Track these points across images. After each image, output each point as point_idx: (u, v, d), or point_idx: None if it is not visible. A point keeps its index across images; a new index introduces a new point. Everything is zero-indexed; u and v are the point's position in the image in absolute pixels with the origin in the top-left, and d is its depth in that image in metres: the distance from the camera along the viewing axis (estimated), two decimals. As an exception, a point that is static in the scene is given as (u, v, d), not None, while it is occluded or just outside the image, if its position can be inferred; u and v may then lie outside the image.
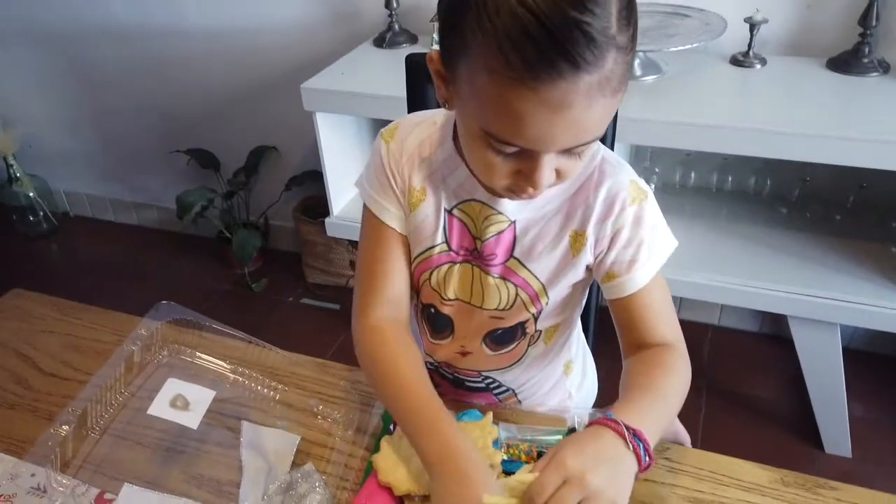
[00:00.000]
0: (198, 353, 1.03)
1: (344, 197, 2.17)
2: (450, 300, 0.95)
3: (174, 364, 1.01)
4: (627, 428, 0.72)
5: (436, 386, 1.01)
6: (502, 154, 0.73)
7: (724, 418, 2.09)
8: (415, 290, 0.99)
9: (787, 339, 2.34)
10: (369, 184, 0.94)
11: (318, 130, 1.99)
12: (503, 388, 1.05)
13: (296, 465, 0.94)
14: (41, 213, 3.06)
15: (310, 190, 2.62)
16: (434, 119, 0.92)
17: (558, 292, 0.93)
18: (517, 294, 0.92)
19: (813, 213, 2.01)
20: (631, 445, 0.71)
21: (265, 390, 1.02)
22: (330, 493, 0.90)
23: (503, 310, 0.94)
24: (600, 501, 0.67)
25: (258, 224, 2.78)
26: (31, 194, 2.99)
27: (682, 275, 1.80)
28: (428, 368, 1.07)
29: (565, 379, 1.08)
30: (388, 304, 0.93)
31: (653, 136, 1.69)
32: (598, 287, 1.20)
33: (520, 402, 1.07)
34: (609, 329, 0.95)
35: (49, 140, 3.03)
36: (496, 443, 0.91)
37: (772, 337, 2.39)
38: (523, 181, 0.75)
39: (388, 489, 0.87)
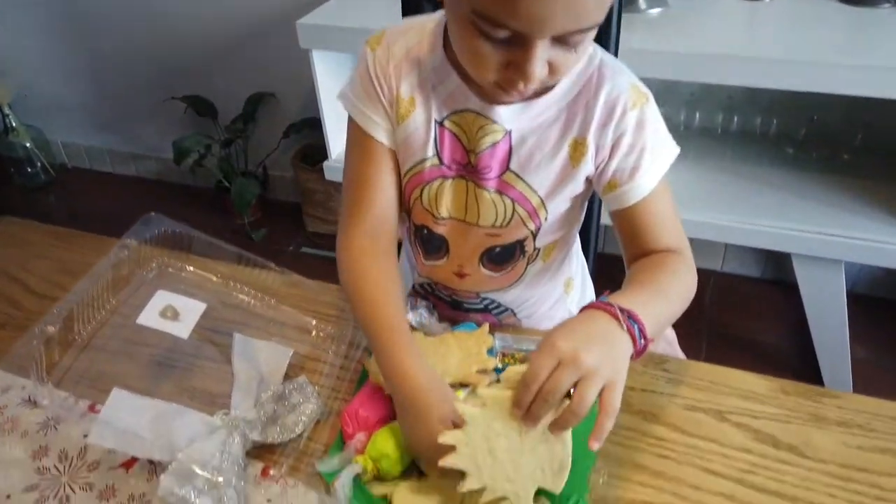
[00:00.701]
0: (188, 267, 1.01)
1: (342, 140, 2.12)
2: (443, 219, 0.93)
3: (163, 277, 0.99)
4: (621, 309, 0.70)
5: (433, 306, 0.99)
6: (493, 41, 0.69)
7: (725, 363, 2.07)
8: (406, 210, 0.97)
9: (789, 284, 2.32)
10: (354, 94, 0.89)
11: (314, 70, 1.95)
12: (502, 308, 1.03)
13: (288, 377, 0.92)
14: (38, 165, 3.04)
15: (308, 138, 2.59)
16: (424, 25, 0.88)
17: (557, 206, 0.90)
18: (514, 209, 0.90)
19: (820, 152, 1.97)
20: (625, 326, 0.69)
21: (258, 305, 1.01)
22: (322, 403, 0.88)
23: (500, 227, 0.91)
24: (596, 380, 0.65)
25: (257, 173, 2.75)
26: (27, 145, 2.96)
27: (685, 214, 1.76)
28: (425, 291, 1.05)
29: (565, 297, 1.06)
30: (372, 221, 0.90)
31: (657, 69, 1.64)
32: (598, 211, 1.19)
33: (519, 322, 1.05)
34: (608, 259, 0.92)
35: (44, 89, 2.99)
36: (491, 351, 0.90)
37: (774, 282, 2.36)
38: (514, 74, 0.72)
39: (381, 397, 0.86)
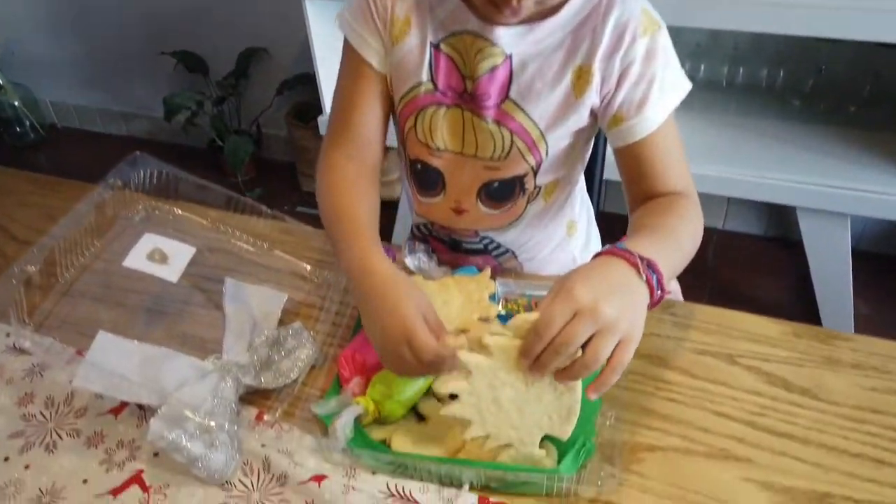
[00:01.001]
0: (176, 210, 0.97)
1: (337, 94, 2.07)
2: (439, 151, 0.89)
3: (150, 220, 0.95)
4: (641, 258, 0.66)
5: (432, 250, 0.96)
6: None
7: (727, 319, 2.05)
8: (402, 144, 0.92)
9: (792, 241, 2.30)
10: (351, 14, 0.85)
11: (308, 21, 1.88)
12: (502, 250, 1.00)
13: (283, 323, 0.89)
14: (27, 124, 2.97)
15: (302, 95, 2.52)
16: None
17: (558, 140, 0.86)
18: (513, 141, 0.85)
19: (827, 104, 1.92)
20: (644, 276, 0.65)
21: (251, 251, 0.97)
22: (318, 349, 0.85)
23: (498, 159, 0.87)
24: (614, 334, 0.61)
25: (250, 132, 2.70)
26: (15, 104, 2.89)
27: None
28: (422, 232, 1.02)
29: (568, 240, 1.02)
30: (355, 143, 0.87)
31: (661, 14, 1.58)
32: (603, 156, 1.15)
33: (521, 265, 1.01)
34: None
35: (32, 46, 2.91)
36: (493, 297, 0.86)
37: (777, 240, 2.33)
38: None
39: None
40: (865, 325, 1.97)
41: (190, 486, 0.73)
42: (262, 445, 0.76)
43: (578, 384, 0.67)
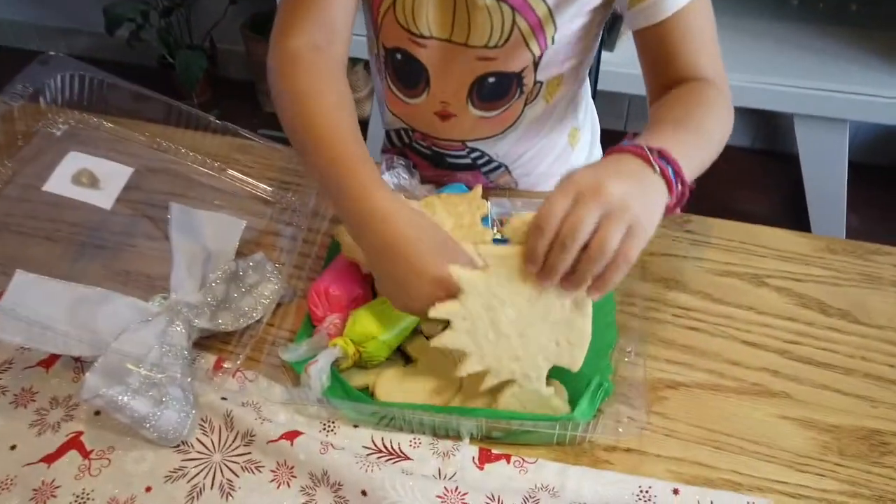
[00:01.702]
0: (105, 123, 0.82)
1: None
2: (423, 38, 0.74)
3: (74, 136, 0.80)
4: (650, 149, 0.56)
5: (414, 165, 0.83)
6: None
7: (715, 235, 1.98)
8: (375, 31, 0.78)
9: (780, 153, 2.21)
10: None
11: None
12: (494, 164, 0.87)
13: (242, 255, 0.76)
14: (-44, 43, 2.70)
15: (259, 4, 2.31)
16: None
17: (569, 21, 0.72)
18: (514, 22, 0.71)
19: (826, 3, 1.78)
20: (657, 167, 0.55)
21: (200, 171, 0.83)
22: (284, 283, 0.73)
23: (495, 47, 0.73)
24: (624, 216, 0.52)
25: (203, 46, 2.47)
26: (-60, 21, 2.61)
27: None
28: (400, 143, 0.88)
29: (570, 152, 0.90)
30: (323, 28, 0.69)
31: None
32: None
33: (515, 182, 0.89)
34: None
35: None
36: (486, 219, 0.75)
37: (765, 152, 2.24)
38: None
39: (355, 273, 0.71)
40: (855, 238, 1.91)
41: (139, 448, 0.62)
42: (223, 399, 0.65)
43: (588, 305, 0.58)
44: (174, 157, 0.84)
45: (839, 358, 0.66)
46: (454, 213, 0.73)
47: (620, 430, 0.58)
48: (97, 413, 0.65)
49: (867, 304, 0.70)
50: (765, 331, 0.69)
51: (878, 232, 2.00)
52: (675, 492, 0.58)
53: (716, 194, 2.11)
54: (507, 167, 0.87)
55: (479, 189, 0.76)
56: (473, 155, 0.86)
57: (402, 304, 0.61)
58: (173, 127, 0.84)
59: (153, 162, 0.83)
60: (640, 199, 0.53)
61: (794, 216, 1.97)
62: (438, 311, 0.59)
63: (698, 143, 0.62)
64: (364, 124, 1.92)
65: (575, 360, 0.61)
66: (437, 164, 0.88)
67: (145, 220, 0.81)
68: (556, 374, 0.62)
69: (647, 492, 0.58)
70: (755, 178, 2.19)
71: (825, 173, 1.78)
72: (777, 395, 0.64)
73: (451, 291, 0.58)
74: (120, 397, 0.60)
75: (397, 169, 0.78)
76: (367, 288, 0.71)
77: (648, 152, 0.56)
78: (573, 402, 0.61)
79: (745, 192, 2.14)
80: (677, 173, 0.56)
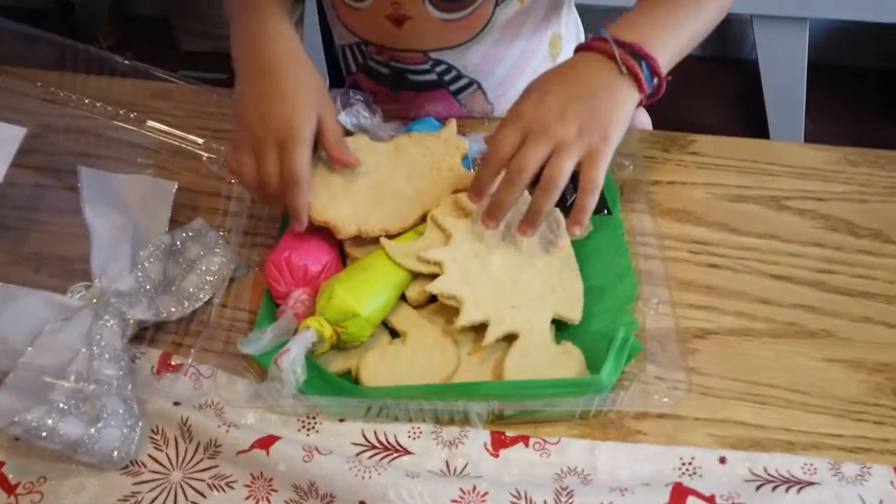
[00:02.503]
0: (-14, 73, 0.67)
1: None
2: None
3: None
4: (620, 43, 0.53)
5: (372, 94, 0.70)
6: None
7: (674, 150, 1.91)
8: None
9: (730, 59, 2.14)
10: None
11: None
12: (464, 81, 0.75)
13: (177, 223, 0.64)
14: None
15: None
16: None
17: None
18: None
19: None
20: (624, 68, 0.52)
21: (114, 123, 0.69)
22: (234, 254, 0.61)
23: None
24: (572, 149, 0.51)
25: (104, -19, 2.21)
26: None
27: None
28: (356, 67, 0.76)
29: (549, 63, 0.78)
30: None
31: None
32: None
33: (491, 106, 0.77)
34: None
35: None
36: (466, 160, 0.63)
37: (716, 59, 2.17)
38: None
39: (320, 234, 0.59)
40: (813, 142, 1.88)
41: (77, 475, 0.51)
42: (176, 404, 0.53)
43: (566, 240, 0.58)
44: (78, 109, 0.69)
45: (878, 285, 0.59)
46: (430, 157, 0.62)
47: (659, 397, 0.50)
48: (17, 438, 0.52)
49: (898, 220, 0.63)
50: (792, 261, 0.61)
51: (837, 135, 1.97)
52: (722, 460, 0.50)
53: (672, 108, 2.03)
54: (479, 84, 0.75)
55: (453, 124, 0.64)
56: (439, 69, 0.73)
57: (244, 136, 0.57)
58: (73, 73, 0.69)
59: (52, 118, 0.69)
60: (595, 119, 0.51)
61: (747, 123, 1.92)
62: (430, 254, 0.55)
63: (685, 14, 0.56)
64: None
65: (574, 311, 0.55)
66: (397, 84, 0.76)
67: (52, 189, 0.67)
68: (570, 338, 0.54)
69: (689, 464, 0.50)
70: (708, 87, 2.12)
71: (784, 76, 1.72)
72: (816, 334, 0.56)
73: (296, 141, 0.55)
74: (43, 421, 0.48)
75: (355, 106, 0.66)
76: (336, 252, 0.59)
77: (616, 50, 0.52)
78: (591, 369, 0.53)
79: (698, 103, 2.08)
80: (652, 69, 0.53)
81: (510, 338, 0.53)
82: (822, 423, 0.52)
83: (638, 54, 0.53)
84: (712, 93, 2.09)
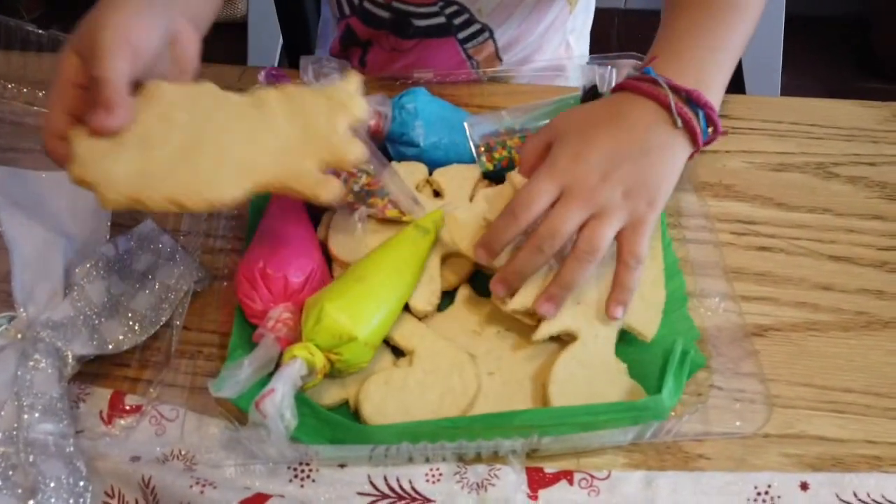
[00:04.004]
0: None
1: None
2: None
3: None
4: (673, 88, 0.45)
5: (367, 44, 0.60)
6: None
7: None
8: None
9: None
10: None
11: None
12: (475, 28, 0.66)
13: (119, 227, 0.52)
14: None
15: None
16: None
17: None
18: None
19: None
20: (680, 121, 0.45)
21: (35, 109, 0.57)
22: (195, 263, 0.50)
23: None
24: (620, 215, 0.44)
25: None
26: None
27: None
28: (350, 10, 0.67)
29: (565, 17, 0.69)
30: None
31: None
32: None
33: (499, 58, 0.67)
34: None
35: None
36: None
37: (687, 13, 2.10)
38: None
39: (298, 232, 0.49)
40: (789, 96, 1.83)
41: (14, 561, 0.40)
42: (134, 459, 0.43)
43: (659, 242, 0.49)
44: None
45: (952, 261, 0.51)
46: (300, 118, 0.45)
47: (732, 418, 0.41)
48: (-66, 518, 0.41)
49: (961, 183, 0.55)
50: (851, 238, 0.53)
51: (810, 87, 1.92)
52: (804, 486, 0.42)
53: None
54: (491, 32, 0.66)
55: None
56: (449, 11, 0.64)
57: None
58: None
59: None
60: (646, 186, 0.44)
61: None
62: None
63: (730, 51, 0.50)
64: (239, 26, 1.61)
65: (649, 324, 0.45)
66: (399, 31, 0.66)
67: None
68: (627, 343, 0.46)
69: (766, 493, 0.42)
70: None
71: (762, 28, 1.65)
72: (890, 323, 0.49)
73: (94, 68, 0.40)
74: (-40, 504, 0.37)
75: (330, 76, 0.54)
76: (320, 256, 0.49)
77: (672, 99, 0.45)
78: (645, 380, 0.44)
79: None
80: (709, 118, 0.46)
81: (557, 345, 0.45)
82: (910, 431, 0.44)
83: (696, 103, 0.46)
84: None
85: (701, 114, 0.46)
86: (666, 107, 0.45)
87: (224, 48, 0.55)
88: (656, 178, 0.45)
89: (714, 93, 0.47)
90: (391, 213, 0.50)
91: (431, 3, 0.64)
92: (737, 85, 1.73)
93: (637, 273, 0.44)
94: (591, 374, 0.43)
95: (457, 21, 0.66)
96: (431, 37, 0.66)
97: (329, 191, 0.42)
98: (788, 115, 0.60)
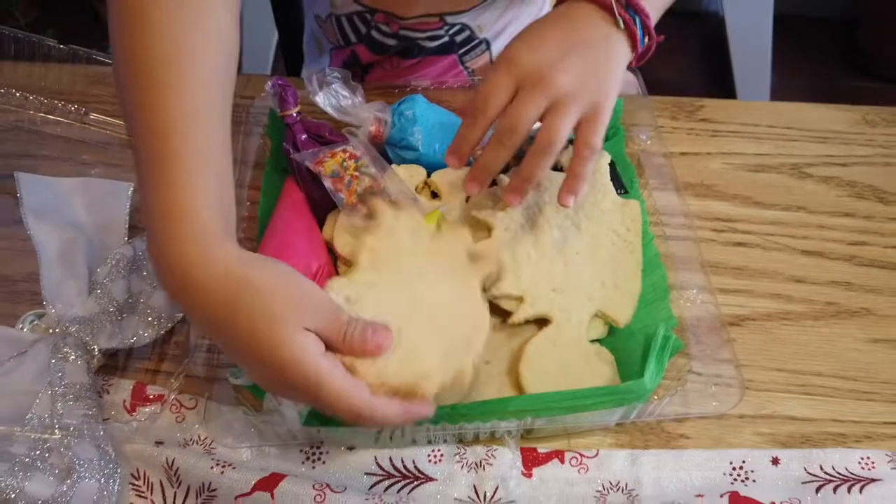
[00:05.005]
0: None
1: None
2: None
3: None
4: None
5: (370, 66, 0.63)
6: None
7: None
8: None
9: (692, 13, 2.10)
10: None
11: None
12: (475, 42, 0.69)
13: (136, 229, 0.56)
14: None
15: None
16: None
17: None
18: None
19: None
20: (622, 20, 0.47)
21: (50, 118, 0.60)
22: (209, 262, 0.54)
23: None
24: (571, 105, 0.45)
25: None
26: None
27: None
28: (356, 38, 0.68)
29: (547, 8, 0.73)
30: None
31: None
32: None
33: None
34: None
35: None
36: None
37: (679, 13, 2.13)
38: None
39: (305, 232, 0.52)
40: (781, 99, 1.86)
41: (49, 537, 0.44)
42: (158, 444, 0.46)
43: (638, 237, 0.52)
44: (6, 104, 0.60)
45: (915, 254, 0.55)
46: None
47: (708, 400, 0.45)
48: (-27, 499, 0.45)
49: (926, 181, 0.59)
50: (823, 234, 0.57)
51: (800, 87, 1.95)
52: (775, 461, 0.46)
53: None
54: (488, 43, 0.69)
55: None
56: (453, 31, 0.67)
57: (266, 383, 0.40)
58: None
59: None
60: (594, 75, 0.46)
61: (717, 79, 1.89)
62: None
63: None
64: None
65: (622, 312, 0.49)
66: (403, 54, 0.69)
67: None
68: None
69: (741, 468, 0.46)
70: (670, 42, 2.08)
71: (751, 29, 1.69)
72: (857, 313, 0.52)
73: (327, 402, 0.38)
74: (6, 482, 0.40)
75: (333, 85, 0.58)
76: (325, 253, 0.52)
77: (613, 2, 0.47)
78: (625, 372, 0.47)
79: (658, 56, 2.04)
80: (645, 25, 0.48)
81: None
82: (873, 411, 0.48)
83: (633, 8, 0.48)
84: (676, 48, 2.06)
85: (637, 20, 0.48)
86: (608, 9, 0.47)
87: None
88: (603, 69, 0.47)
89: (650, 6, 0.49)
90: (391, 214, 0.54)
91: (438, 27, 0.67)
92: (727, 85, 1.77)
93: (590, 163, 0.46)
94: (562, 352, 0.47)
95: (458, 39, 0.69)
96: (436, 54, 0.70)
97: None
98: (766, 119, 0.64)
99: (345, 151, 0.54)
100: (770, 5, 1.63)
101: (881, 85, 1.88)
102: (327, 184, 0.53)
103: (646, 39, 0.49)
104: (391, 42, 0.68)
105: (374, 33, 0.69)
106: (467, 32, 0.68)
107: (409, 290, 0.46)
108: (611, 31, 0.47)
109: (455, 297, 0.47)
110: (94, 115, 0.62)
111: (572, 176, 0.46)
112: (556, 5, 0.51)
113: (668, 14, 0.54)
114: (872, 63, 1.85)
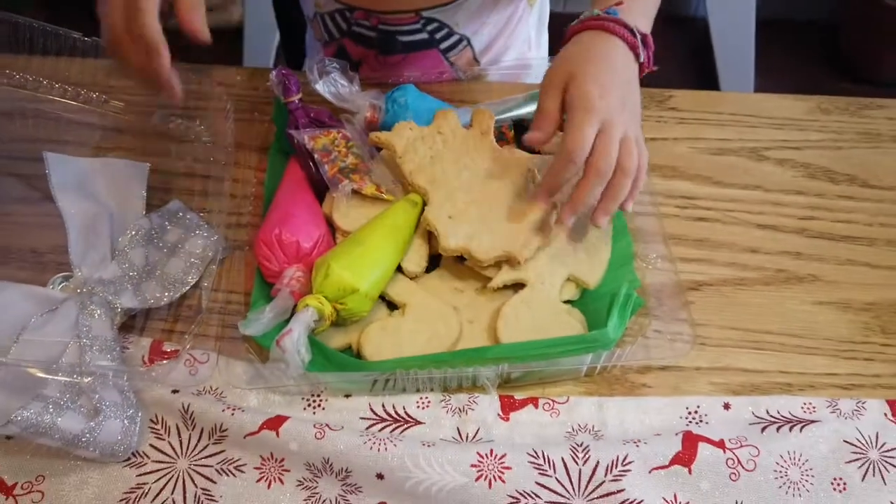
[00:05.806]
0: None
1: None
2: None
3: None
4: (634, 32, 0.54)
5: (356, 60, 0.68)
6: None
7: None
8: None
9: (680, 17, 2.16)
10: None
11: None
12: (454, 39, 0.74)
13: (151, 206, 0.61)
14: None
15: None
16: None
17: None
18: None
19: None
20: (642, 57, 0.55)
21: (73, 104, 0.65)
22: (219, 235, 0.59)
23: None
24: (633, 139, 0.52)
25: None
26: None
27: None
28: (339, 34, 0.74)
29: (528, 16, 0.78)
30: None
31: None
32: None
33: (477, 61, 0.76)
34: None
35: None
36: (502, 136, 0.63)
37: (664, 18, 2.19)
38: None
39: (308, 206, 0.58)
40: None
41: (77, 471, 0.49)
42: (174, 392, 0.52)
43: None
44: (34, 92, 0.65)
45: (859, 228, 0.61)
46: (472, 143, 0.59)
47: (663, 351, 0.50)
48: (10, 437, 0.50)
49: (872, 164, 0.65)
50: (777, 210, 0.62)
51: (784, 90, 2.00)
52: (726, 406, 0.51)
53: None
54: (468, 40, 0.74)
55: (452, 113, 0.61)
56: (430, 27, 0.72)
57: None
58: (18, 55, 0.65)
59: (4, 102, 0.65)
60: (635, 106, 0.54)
61: (702, 82, 1.95)
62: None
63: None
64: (233, 32, 1.69)
65: (592, 275, 0.54)
66: (386, 48, 0.74)
67: (12, 179, 0.64)
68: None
69: (695, 412, 0.51)
70: (655, 47, 2.14)
71: (734, 33, 1.75)
72: (804, 279, 0.58)
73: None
74: (41, 418, 0.45)
75: (332, 74, 0.63)
76: (325, 226, 0.58)
77: (636, 38, 0.54)
78: (592, 330, 0.53)
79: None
80: (649, 59, 0.56)
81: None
82: (816, 363, 0.53)
83: (645, 45, 0.55)
84: (662, 52, 2.12)
85: (646, 52, 0.56)
86: (633, 47, 0.54)
87: (219, 52, 0.63)
88: (637, 102, 0.55)
89: (649, 33, 0.57)
90: (368, 189, 0.58)
91: (413, 22, 0.72)
92: (712, 87, 1.83)
93: (627, 183, 0.51)
94: (535, 312, 0.52)
95: (438, 35, 0.74)
96: (416, 51, 0.74)
97: None
98: (729, 107, 0.69)
99: (339, 132, 0.60)
100: (752, 9, 1.68)
101: (865, 88, 1.93)
102: (316, 156, 0.58)
103: (648, 68, 0.57)
104: (371, 35, 0.74)
105: (356, 28, 0.74)
106: (445, 29, 0.73)
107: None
108: (634, 68, 0.55)
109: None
110: (114, 103, 0.67)
111: (611, 198, 0.51)
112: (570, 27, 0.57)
113: (657, 18, 0.60)
114: (853, 66, 1.90)
